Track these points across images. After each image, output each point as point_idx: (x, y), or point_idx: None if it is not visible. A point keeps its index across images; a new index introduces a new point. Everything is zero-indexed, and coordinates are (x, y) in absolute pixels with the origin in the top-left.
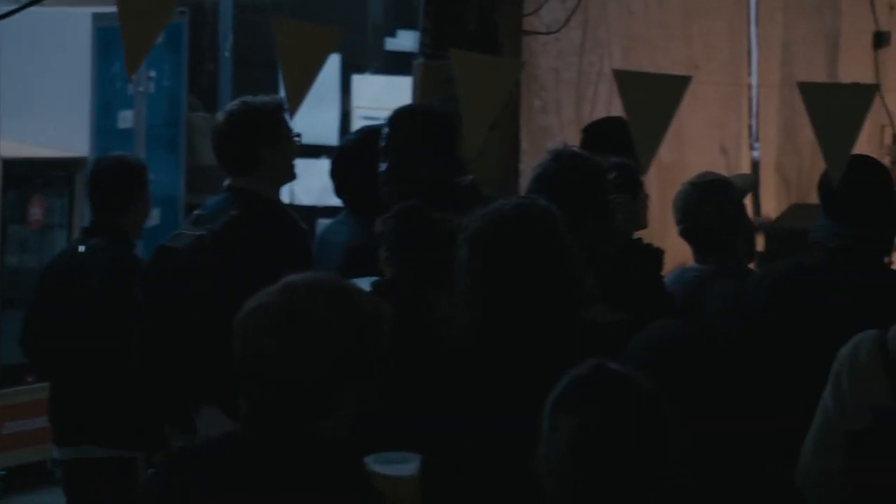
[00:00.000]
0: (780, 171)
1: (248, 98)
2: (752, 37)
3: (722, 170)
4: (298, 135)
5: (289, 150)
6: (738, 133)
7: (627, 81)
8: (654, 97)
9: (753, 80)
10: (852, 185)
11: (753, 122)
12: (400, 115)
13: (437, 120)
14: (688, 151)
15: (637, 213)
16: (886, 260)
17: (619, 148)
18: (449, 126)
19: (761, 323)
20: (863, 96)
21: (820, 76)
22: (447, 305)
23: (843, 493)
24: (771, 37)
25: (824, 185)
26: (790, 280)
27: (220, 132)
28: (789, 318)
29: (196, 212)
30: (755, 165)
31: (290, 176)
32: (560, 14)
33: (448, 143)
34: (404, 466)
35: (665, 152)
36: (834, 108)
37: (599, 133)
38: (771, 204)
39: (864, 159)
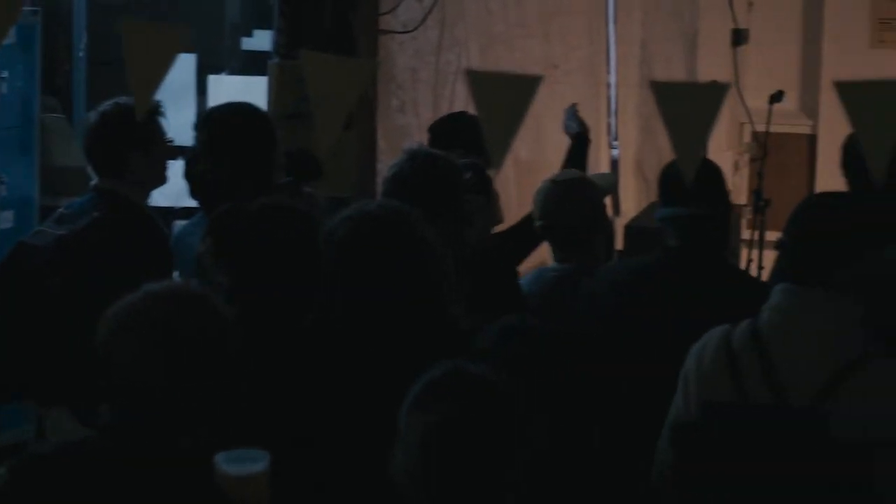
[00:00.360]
0: (639, 169)
1: (122, 99)
2: (611, 35)
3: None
4: (171, 139)
5: (160, 153)
6: (597, 132)
7: (480, 81)
8: (507, 97)
9: (612, 78)
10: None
11: (612, 120)
12: (212, 116)
13: (250, 119)
14: (547, 150)
15: (494, 214)
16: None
17: (466, 145)
18: (264, 124)
19: (605, 322)
20: (715, 95)
21: (679, 74)
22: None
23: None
24: (629, 35)
25: (665, 178)
26: (632, 279)
27: (91, 132)
28: (632, 317)
29: (60, 210)
30: (614, 164)
31: (161, 180)
32: (417, 13)
33: (263, 141)
34: (253, 465)
35: (524, 150)
36: (686, 106)
37: (446, 131)
38: (630, 203)
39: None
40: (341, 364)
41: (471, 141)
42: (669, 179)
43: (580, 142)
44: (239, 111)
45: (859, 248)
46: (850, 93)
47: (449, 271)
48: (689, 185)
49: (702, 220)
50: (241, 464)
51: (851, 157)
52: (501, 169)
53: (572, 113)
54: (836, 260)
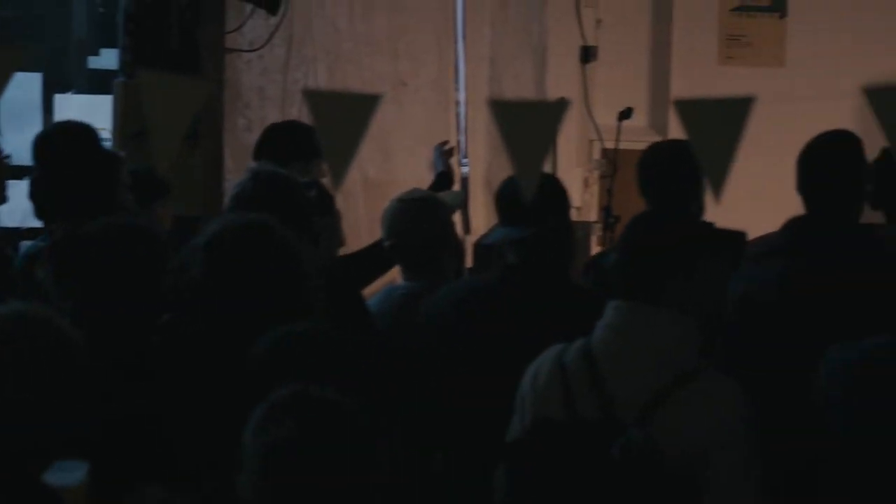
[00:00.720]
0: (488, 187)
1: None
2: (460, 52)
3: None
4: (8, 156)
5: None
6: None
7: (318, 100)
8: (347, 115)
9: (461, 95)
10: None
11: (462, 137)
12: (47, 136)
13: (82, 138)
14: (396, 168)
15: (337, 236)
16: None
17: (297, 156)
18: (96, 143)
19: (445, 340)
20: (554, 112)
21: (528, 91)
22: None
23: None
24: (478, 52)
25: (502, 195)
26: (473, 297)
27: None
28: (471, 335)
29: None
30: (464, 181)
31: (1, 199)
32: (263, 31)
33: (98, 160)
34: (71, 475)
35: (372, 169)
36: (525, 124)
37: (275, 146)
38: (481, 220)
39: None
40: (205, 375)
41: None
42: (506, 198)
43: (443, 180)
44: (71, 130)
45: (688, 263)
46: (689, 111)
47: (313, 280)
48: (529, 203)
49: (541, 238)
50: (59, 473)
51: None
52: (347, 188)
53: (440, 152)
54: (664, 275)
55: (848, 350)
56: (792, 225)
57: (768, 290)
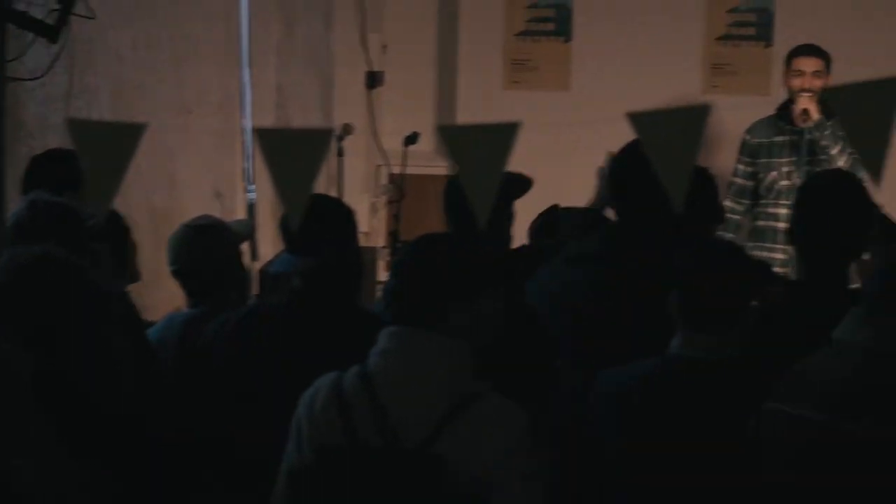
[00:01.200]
0: (276, 214)
1: None
2: (245, 80)
3: (217, 213)
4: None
5: None
6: (233, 176)
7: (82, 130)
8: (110, 144)
9: (247, 123)
10: (313, 220)
11: (248, 165)
12: None
13: None
14: (182, 195)
15: (132, 270)
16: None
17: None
18: None
19: (223, 367)
20: (320, 140)
21: (315, 118)
22: None
23: None
24: (265, 79)
25: (284, 224)
26: (255, 323)
27: None
28: (251, 362)
29: None
30: (251, 209)
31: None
32: (45, 59)
33: None
34: None
35: (158, 197)
36: (290, 152)
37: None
38: (268, 247)
39: (322, 198)
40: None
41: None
42: (287, 226)
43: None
44: None
45: (463, 288)
46: (453, 136)
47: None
48: (296, 230)
49: (326, 265)
50: None
51: (452, 199)
52: (132, 217)
53: None
54: (439, 300)
55: (617, 374)
56: (603, 231)
57: (576, 293)
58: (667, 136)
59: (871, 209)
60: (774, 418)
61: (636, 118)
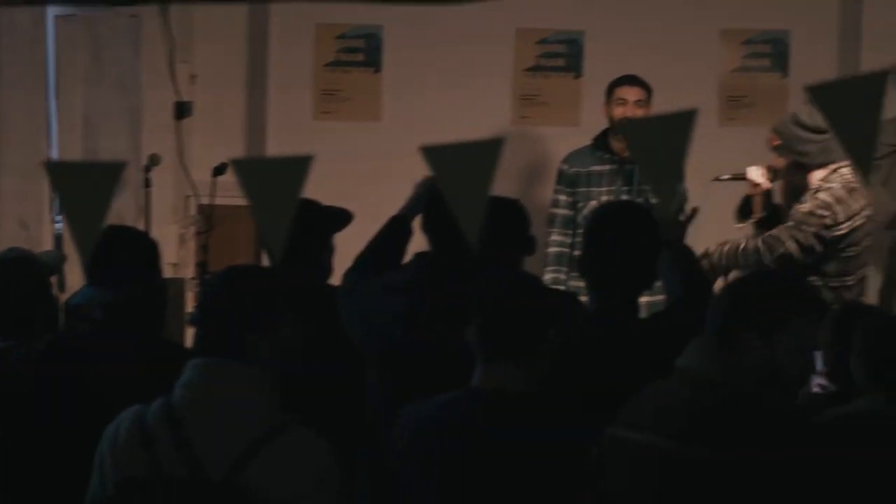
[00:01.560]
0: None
1: None
2: (52, 109)
3: (24, 244)
4: None
5: None
6: (40, 207)
7: None
8: None
9: (54, 152)
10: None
11: (56, 195)
12: None
13: None
14: None
15: None
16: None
17: None
18: None
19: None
20: (112, 174)
21: (124, 148)
22: None
23: None
24: (71, 109)
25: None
26: (54, 356)
27: None
28: (50, 394)
29: None
30: (58, 240)
31: None
32: None
33: None
34: None
35: None
36: (80, 186)
37: None
38: (76, 279)
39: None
40: None
41: None
42: (92, 258)
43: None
44: None
45: (264, 318)
46: (247, 169)
47: None
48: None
49: (129, 298)
50: None
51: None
52: None
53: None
54: (241, 330)
55: (417, 409)
56: (414, 262)
57: (389, 322)
58: (460, 170)
59: (658, 239)
60: (617, 445)
61: (430, 152)
